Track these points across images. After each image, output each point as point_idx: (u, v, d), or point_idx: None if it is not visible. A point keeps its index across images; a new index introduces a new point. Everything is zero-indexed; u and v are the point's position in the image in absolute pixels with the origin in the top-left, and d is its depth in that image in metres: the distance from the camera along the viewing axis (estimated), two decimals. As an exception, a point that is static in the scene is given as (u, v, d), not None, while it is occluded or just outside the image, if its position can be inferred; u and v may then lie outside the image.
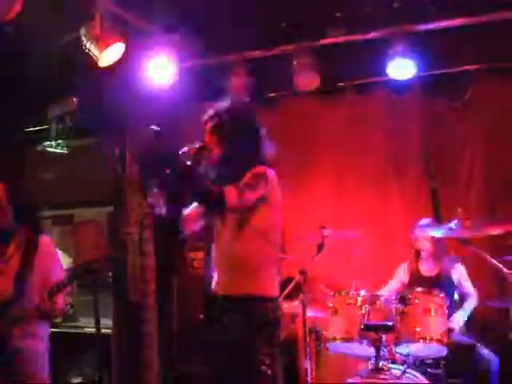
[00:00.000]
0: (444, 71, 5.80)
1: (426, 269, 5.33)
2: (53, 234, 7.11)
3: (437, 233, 4.93)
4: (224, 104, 3.62)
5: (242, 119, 3.61)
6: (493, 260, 4.50)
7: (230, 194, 3.24)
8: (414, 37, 5.50)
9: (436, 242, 5.21)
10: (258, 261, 3.39)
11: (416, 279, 5.23)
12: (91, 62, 5.19)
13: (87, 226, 6.58)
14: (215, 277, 3.58)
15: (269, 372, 3.27)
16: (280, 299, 3.63)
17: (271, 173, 3.43)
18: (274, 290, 3.44)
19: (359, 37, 5.66)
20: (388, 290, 5.35)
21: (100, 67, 5.19)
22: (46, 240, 4.24)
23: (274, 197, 3.43)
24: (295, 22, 5.73)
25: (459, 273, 5.21)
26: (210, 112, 3.60)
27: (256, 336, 3.29)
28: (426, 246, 5.28)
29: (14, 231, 4.15)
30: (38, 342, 4.09)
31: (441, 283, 4.99)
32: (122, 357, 5.99)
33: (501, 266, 4.46)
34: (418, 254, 5.36)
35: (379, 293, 5.19)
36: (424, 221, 5.30)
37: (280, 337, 3.47)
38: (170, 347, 5.76)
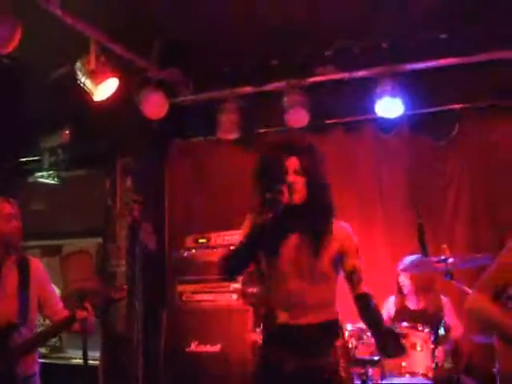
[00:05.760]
0: (430, 110, 5.89)
1: (412, 303, 5.41)
2: (41, 265, 7.11)
3: (420, 270, 5.01)
4: (300, 140, 3.37)
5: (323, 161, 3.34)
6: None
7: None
8: (401, 76, 5.61)
9: (420, 277, 5.29)
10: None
11: (402, 313, 5.28)
12: (85, 96, 5.28)
13: (75, 256, 6.58)
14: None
15: None
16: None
17: None
18: None
19: (348, 75, 5.76)
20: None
21: (94, 101, 5.28)
22: (36, 261, 4.19)
23: None
24: (285, 59, 5.85)
25: (444, 306, 5.26)
26: (297, 146, 3.29)
27: None
28: (407, 283, 5.39)
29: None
30: (36, 369, 4.02)
31: (427, 317, 5.04)
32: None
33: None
34: (401, 289, 5.45)
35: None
36: (409, 258, 5.31)
37: None
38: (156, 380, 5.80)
